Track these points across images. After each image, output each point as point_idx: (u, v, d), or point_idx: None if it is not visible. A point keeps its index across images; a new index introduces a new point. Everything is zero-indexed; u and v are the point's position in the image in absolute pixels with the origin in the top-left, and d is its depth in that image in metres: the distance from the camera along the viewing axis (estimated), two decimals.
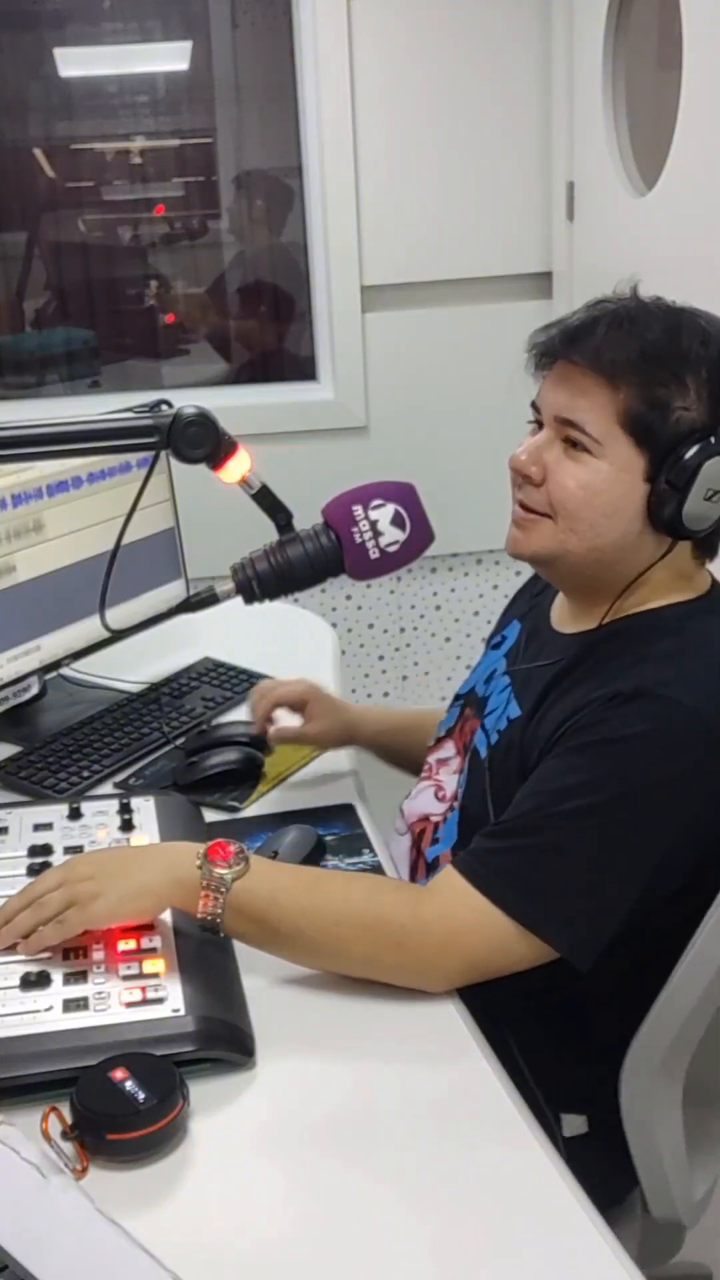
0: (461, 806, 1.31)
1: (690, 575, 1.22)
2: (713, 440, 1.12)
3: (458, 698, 1.44)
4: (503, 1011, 1.15)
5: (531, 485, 1.19)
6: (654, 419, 1.12)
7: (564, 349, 1.16)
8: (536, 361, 1.19)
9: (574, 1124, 1.24)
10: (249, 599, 1.27)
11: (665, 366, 1.12)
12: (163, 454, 1.26)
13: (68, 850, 1.30)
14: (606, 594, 1.21)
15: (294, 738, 1.54)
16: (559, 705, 1.18)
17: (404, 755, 1.58)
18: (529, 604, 1.40)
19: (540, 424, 1.21)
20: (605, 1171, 1.24)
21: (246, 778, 1.54)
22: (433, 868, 1.31)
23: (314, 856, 1.35)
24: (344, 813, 1.47)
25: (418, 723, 1.57)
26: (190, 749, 1.59)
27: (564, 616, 1.29)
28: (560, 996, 1.17)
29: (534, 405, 1.22)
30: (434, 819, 1.34)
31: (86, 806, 1.40)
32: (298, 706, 1.56)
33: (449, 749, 1.39)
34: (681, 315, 1.17)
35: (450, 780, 1.34)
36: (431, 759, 1.40)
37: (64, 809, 1.39)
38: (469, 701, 1.39)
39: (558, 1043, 1.23)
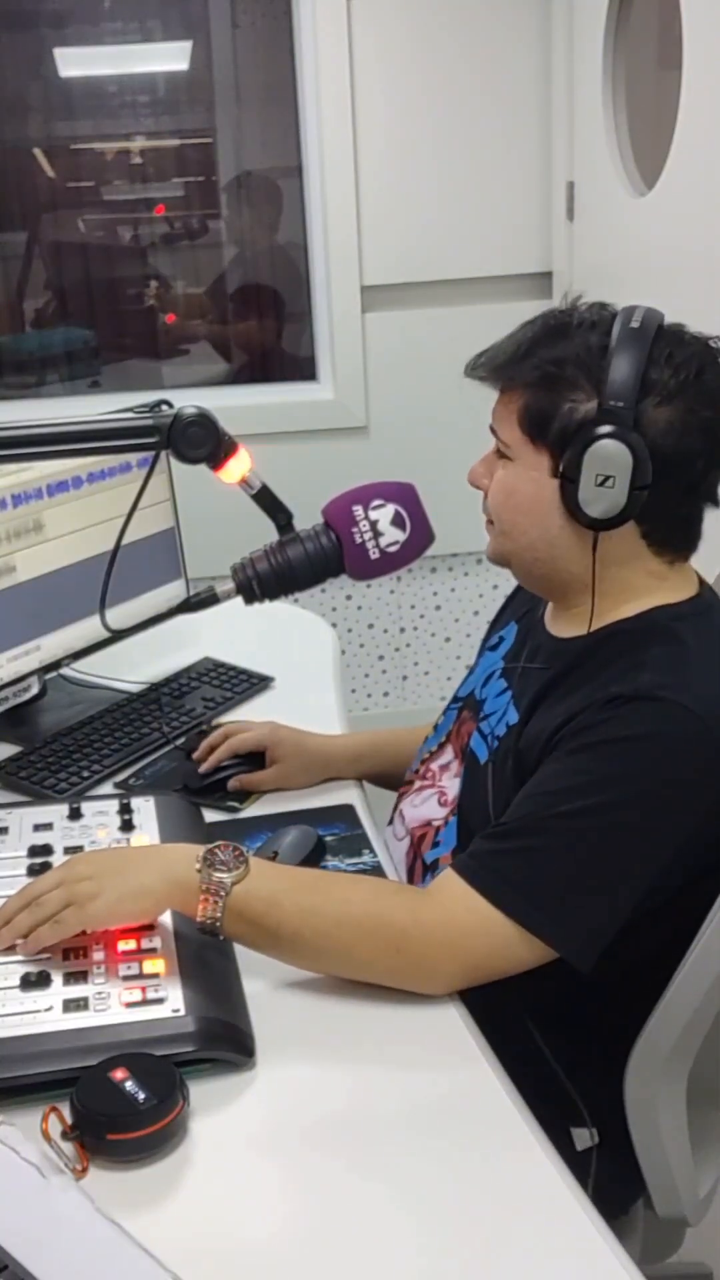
0: (459, 810, 1.31)
1: (664, 575, 1.21)
2: (598, 428, 1.13)
3: (456, 699, 1.44)
4: (508, 1018, 1.15)
5: (485, 497, 1.26)
6: (546, 416, 1.16)
7: (470, 368, 1.23)
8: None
9: (583, 1137, 1.24)
10: (249, 599, 1.27)
11: (552, 366, 1.16)
12: (163, 454, 1.26)
13: (68, 850, 1.30)
14: (573, 596, 1.22)
15: (255, 784, 1.52)
16: (554, 710, 1.18)
17: (386, 776, 1.57)
18: (525, 606, 1.40)
19: None
20: (614, 1182, 1.24)
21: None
22: (431, 870, 1.31)
23: (314, 857, 1.35)
24: (344, 813, 1.47)
25: (397, 740, 1.56)
26: (190, 749, 1.58)
27: (556, 620, 1.30)
28: (564, 1001, 1.17)
29: None
30: (435, 823, 1.34)
31: (86, 806, 1.40)
32: (258, 751, 1.54)
33: (448, 754, 1.39)
34: (590, 320, 1.18)
35: (453, 785, 1.34)
36: (434, 765, 1.40)
37: (64, 809, 1.39)
38: (466, 704, 1.39)
39: (563, 1049, 1.22)
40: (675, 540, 1.20)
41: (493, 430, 1.23)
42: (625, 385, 1.12)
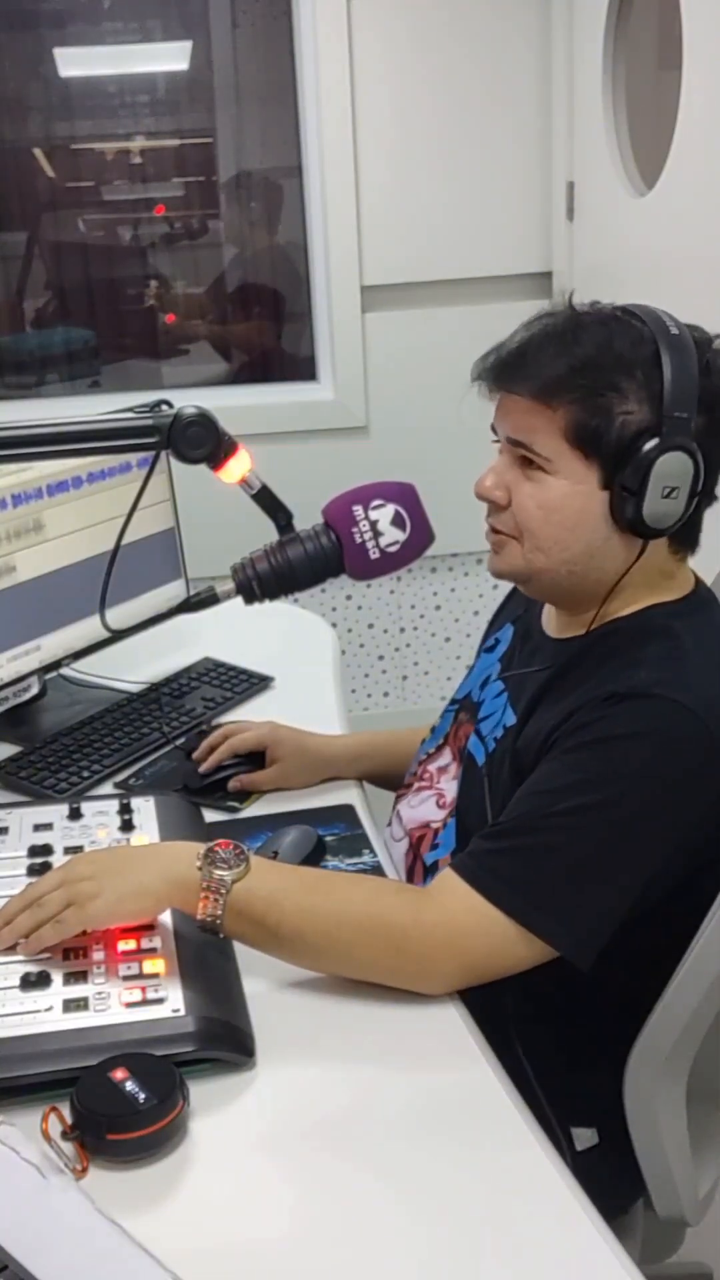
0: (458, 812, 1.31)
1: (671, 574, 1.22)
2: (659, 439, 1.12)
3: (453, 702, 1.44)
4: (507, 1018, 1.15)
5: (499, 509, 1.21)
6: (598, 429, 1.13)
7: (499, 380, 1.18)
8: (486, 389, 1.21)
9: (583, 1137, 1.24)
10: (249, 599, 1.27)
11: (599, 376, 1.13)
12: (163, 454, 1.26)
13: (68, 850, 1.30)
14: (590, 600, 1.21)
15: (255, 784, 1.51)
16: (552, 710, 1.18)
17: (386, 776, 1.57)
18: (521, 607, 1.40)
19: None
20: (613, 1182, 1.24)
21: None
22: (431, 872, 1.31)
23: (314, 857, 1.35)
24: (344, 813, 1.47)
25: (397, 740, 1.56)
26: (190, 749, 1.58)
27: (553, 621, 1.29)
28: (564, 1001, 1.17)
29: (493, 428, 1.23)
30: (434, 825, 1.34)
31: (86, 806, 1.40)
32: (258, 751, 1.53)
33: (446, 756, 1.39)
34: (612, 321, 1.16)
35: (450, 787, 1.34)
36: (432, 767, 1.40)
37: (64, 809, 1.39)
38: (464, 706, 1.39)
39: (563, 1049, 1.23)
40: (692, 540, 1.22)
41: (515, 441, 1.18)
42: (685, 395, 1.11)
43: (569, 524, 1.17)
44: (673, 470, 1.12)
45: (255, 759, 1.53)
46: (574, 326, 1.16)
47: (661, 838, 1.10)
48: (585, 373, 1.13)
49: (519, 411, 1.17)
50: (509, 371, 1.17)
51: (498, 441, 1.23)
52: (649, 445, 1.12)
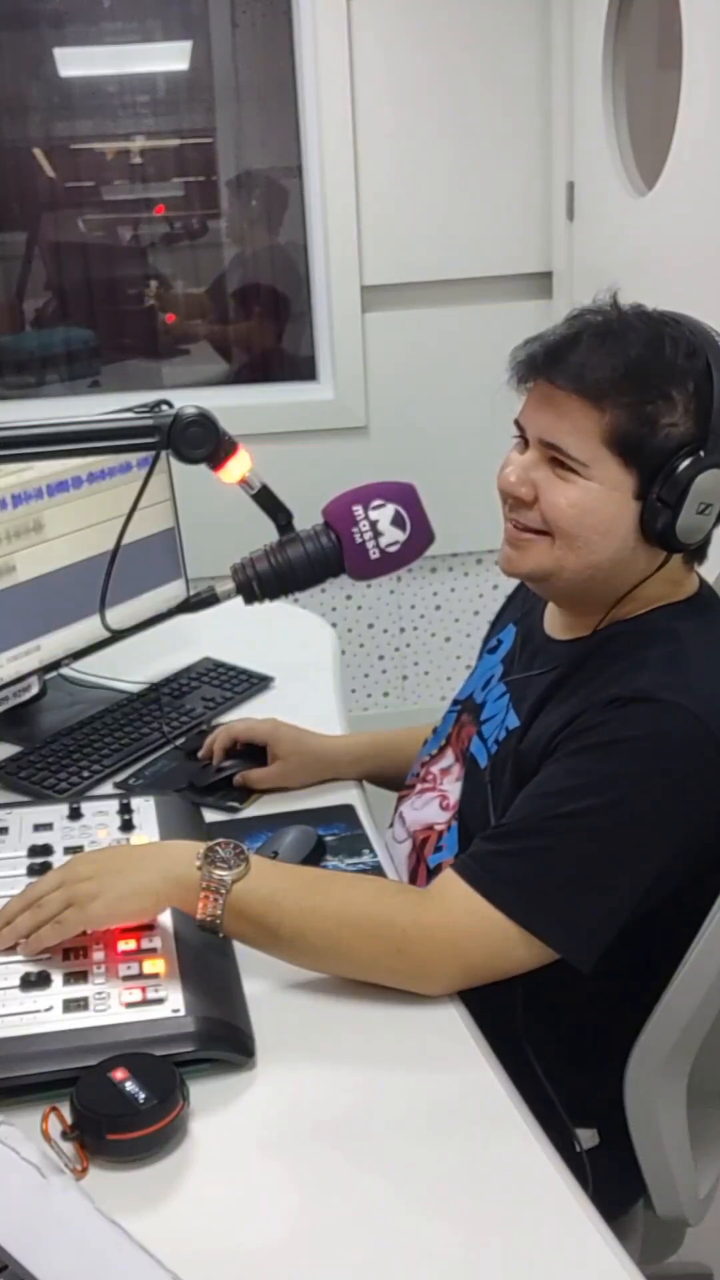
0: (460, 815, 1.31)
1: (681, 580, 1.22)
2: (702, 454, 1.11)
3: (455, 703, 1.43)
4: (510, 1019, 1.15)
5: (524, 506, 1.18)
6: (641, 437, 1.11)
7: (545, 370, 1.15)
8: (519, 379, 1.18)
9: (584, 1137, 1.24)
10: (249, 599, 1.27)
11: (650, 383, 1.11)
12: (163, 454, 1.26)
13: (68, 850, 1.30)
14: (599, 604, 1.20)
15: (256, 782, 1.51)
16: (555, 712, 1.18)
17: (387, 777, 1.57)
18: (523, 608, 1.40)
19: (525, 440, 1.20)
20: (614, 1182, 1.23)
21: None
22: (433, 874, 1.31)
23: (314, 857, 1.35)
24: (344, 813, 1.47)
25: (398, 741, 1.56)
26: (191, 749, 1.58)
27: (557, 623, 1.29)
28: (565, 1002, 1.17)
29: (517, 423, 1.21)
30: (438, 827, 1.34)
31: (86, 806, 1.40)
32: (260, 746, 1.53)
33: (448, 757, 1.39)
34: (664, 327, 1.14)
35: (454, 789, 1.34)
36: (435, 768, 1.40)
37: (64, 809, 1.39)
38: (466, 707, 1.39)
39: (564, 1049, 1.22)
40: (704, 550, 1.21)
41: (548, 443, 1.15)
42: None
43: (601, 528, 1.15)
44: (710, 488, 1.12)
45: (257, 757, 1.53)
46: (623, 327, 1.14)
47: (664, 841, 1.10)
48: (637, 376, 1.11)
49: (559, 409, 1.14)
50: (555, 363, 1.13)
51: (518, 437, 1.21)
52: (690, 460, 1.11)
